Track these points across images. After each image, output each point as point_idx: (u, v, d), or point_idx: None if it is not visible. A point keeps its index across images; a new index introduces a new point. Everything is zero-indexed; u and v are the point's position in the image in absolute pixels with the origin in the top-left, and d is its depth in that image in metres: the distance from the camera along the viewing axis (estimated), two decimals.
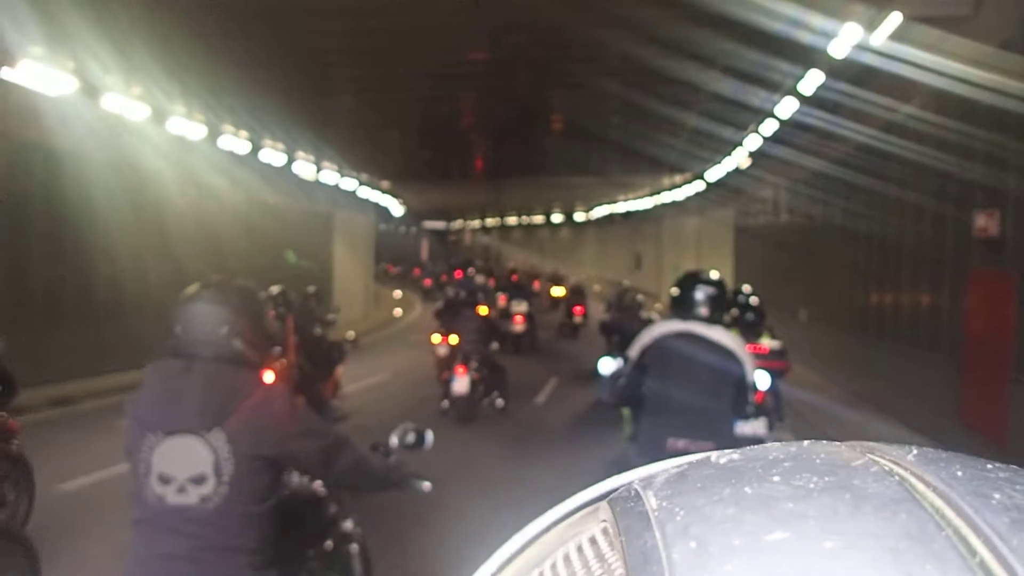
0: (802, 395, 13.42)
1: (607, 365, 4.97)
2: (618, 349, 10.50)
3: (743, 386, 4.29)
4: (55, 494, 6.96)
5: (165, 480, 2.50)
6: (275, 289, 9.19)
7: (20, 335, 12.26)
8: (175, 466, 2.50)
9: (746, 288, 7.87)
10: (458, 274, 15.10)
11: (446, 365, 11.62)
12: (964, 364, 9.34)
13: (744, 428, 4.39)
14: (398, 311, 34.58)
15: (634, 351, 4.48)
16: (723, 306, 4.54)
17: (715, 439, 4.16)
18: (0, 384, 6.03)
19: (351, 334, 10.86)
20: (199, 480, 2.49)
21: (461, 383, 10.71)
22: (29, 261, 13.33)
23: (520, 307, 19.36)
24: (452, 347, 11.62)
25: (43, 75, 12.18)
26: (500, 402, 11.56)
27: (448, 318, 12.16)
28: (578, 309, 23.31)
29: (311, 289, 11.61)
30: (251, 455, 2.52)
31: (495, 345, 11.80)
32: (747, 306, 7.46)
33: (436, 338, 12.38)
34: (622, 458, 4.54)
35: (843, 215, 15.31)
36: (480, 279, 15.16)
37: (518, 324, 19.37)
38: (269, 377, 8.12)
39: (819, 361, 16.62)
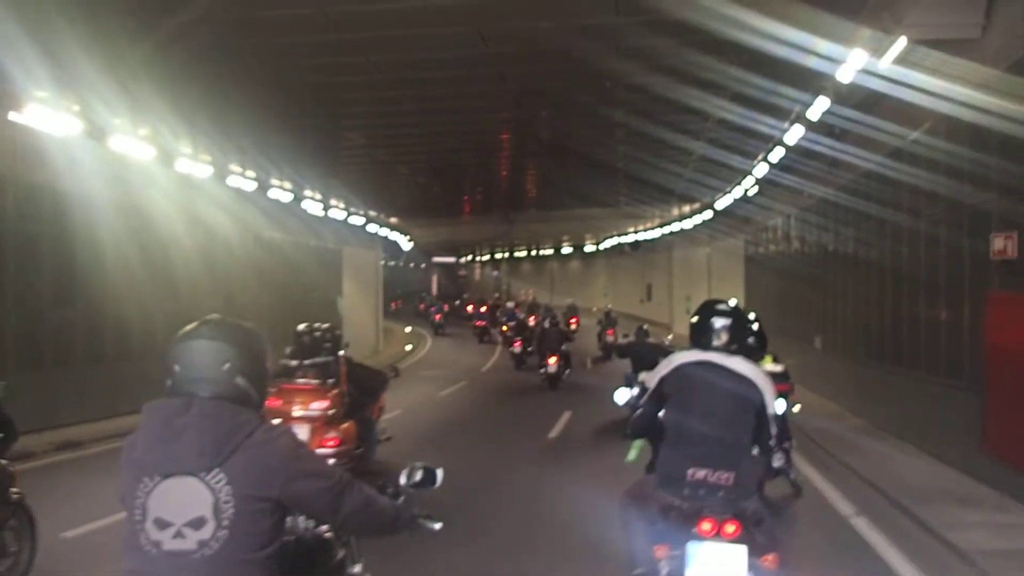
0: (821, 423, 13.20)
1: (622, 395, 5.00)
2: (633, 370, 12.77)
3: (764, 415, 4.24)
4: (58, 542, 6.79)
5: (162, 525, 2.38)
6: (324, 325, 10.31)
7: (30, 378, 12.23)
8: (172, 510, 2.38)
9: (750, 316, 7.91)
10: (445, 307, 40.19)
11: (520, 360, 24.96)
12: (988, 390, 9.12)
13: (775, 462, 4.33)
14: (408, 347, 34.49)
15: (652, 380, 4.46)
16: (742, 335, 4.49)
17: (735, 469, 4.12)
18: (2, 430, 5.82)
19: (395, 365, 12.36)
20: (197, 524, 2.36)
21: (552, 366, 19.78)
22: (39, 303, 13.30)
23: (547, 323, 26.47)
24: (522, 347, 24.93)
25: (50, 117, 12.21)
26: (568, 372, 20.36)
27: (523, 331, 26.01)
28: (573, 320, 34.71)
29: (322, 325, 11.81)
30: (252, 496, 2.40)
31: (565, 345, 20.85)
32: (749, 331, 7.45)
33: (511, 344, 26.18)
34: (641, 488, 4.44)
35: (855, 243, 15.18)
36: (510, 306, 33.77)
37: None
38: (323, 404, 9.27)
39: (836, 389, 16.40)
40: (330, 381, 9.55)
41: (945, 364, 10.54)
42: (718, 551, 3.92)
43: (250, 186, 19.58)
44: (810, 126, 14.65)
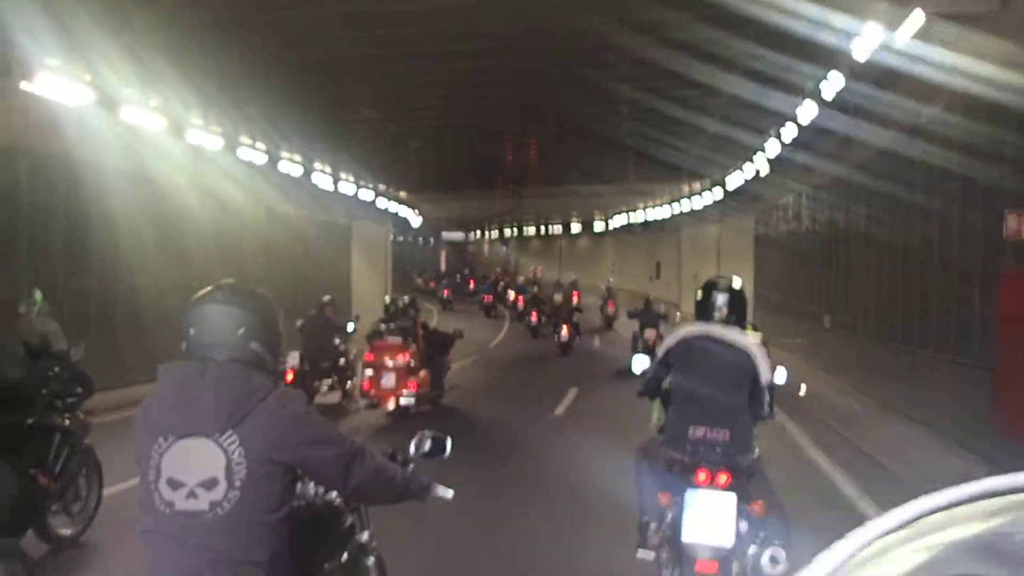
0: (828, 402, 13.21)
1: (639, 363, 5.63)
2: (639, 329, 16.52)
3: (758, 383, 4.73)
4: None
5: (175, 485, 2.42)
6: (406, 298, 13.39)
7: None
8: (185, 470, 2.42)
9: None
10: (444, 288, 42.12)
11: (536, 330, 27.03)
12: (998, 369, 9.09)
13: None
14: None
15: (661, 350, 5.08)
16: (741, 309, 4.98)
17: (731, 427, 4.67)
18: (80, 386, 6.47)
19: (460, 329, 14.22)
20: (210, 485, 2.40)
21: (564, 334, 21.80)
22: (53, 274, 13.34)
23: (559, 297, 27.45)
24: (538, 319, 27.23)
25: (61, 87, 12.20)
26: (578, 339, 22.43)
27: (538, 304, 28.07)
28: (575, 294, 35.03)
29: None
30: (264, 459, 2.43)
31: (576, 316, 23.36)
32: (745, 306, 7.85)
33: (526, 316, 28.65)
34: (650, 445, 5.08)
35: (866, 221, 15.09)
36: (521, 279, 38.64)
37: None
38: (404, 357, 11.85)
39: (844, 367, 16.38)
40: (410, 339, 12.41)
41: (956, 343, 10.50)
42: (711, 497, 4.46)
43: (261, 159, 19.56)
44: (823, 103, 14.52)
